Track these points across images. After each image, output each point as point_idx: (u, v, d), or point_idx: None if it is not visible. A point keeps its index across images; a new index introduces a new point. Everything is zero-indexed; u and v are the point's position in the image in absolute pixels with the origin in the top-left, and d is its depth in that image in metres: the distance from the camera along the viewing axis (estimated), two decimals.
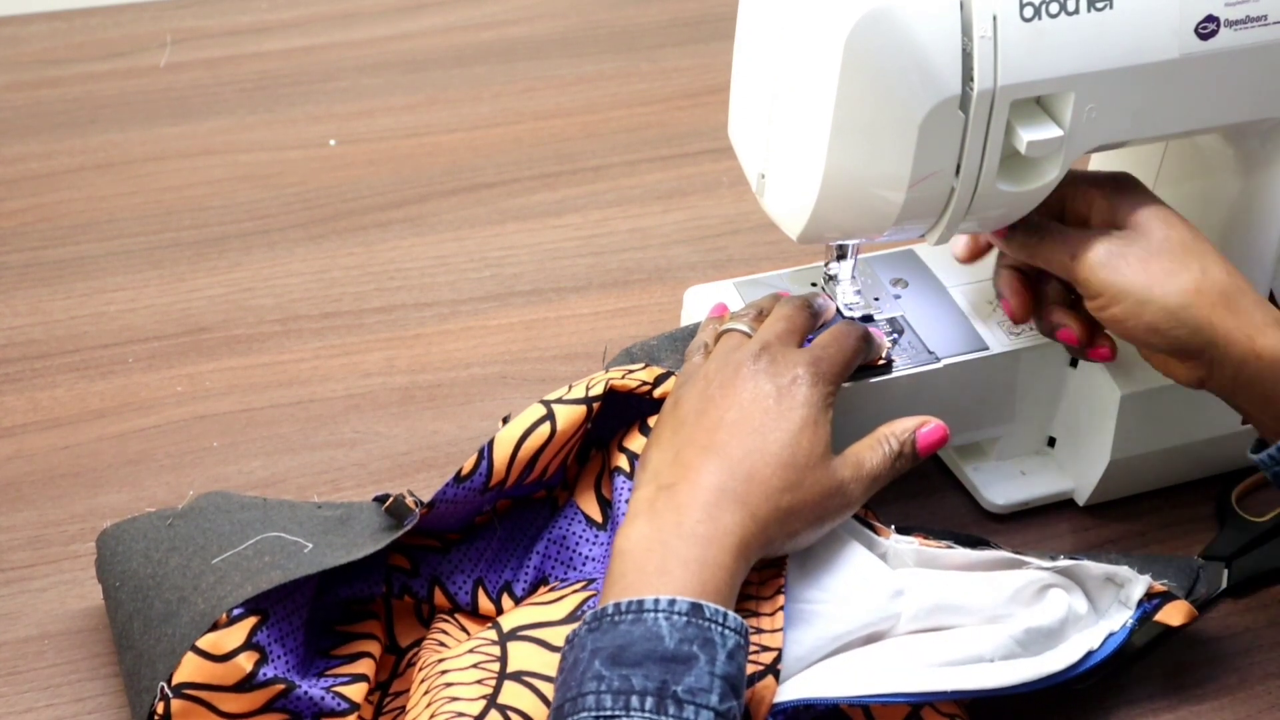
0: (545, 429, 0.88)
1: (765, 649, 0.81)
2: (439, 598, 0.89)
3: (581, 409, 0.89)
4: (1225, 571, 0.94)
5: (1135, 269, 0.86)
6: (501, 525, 0.91)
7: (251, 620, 0.81)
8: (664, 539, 0.79)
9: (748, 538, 0.80)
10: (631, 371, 0.91)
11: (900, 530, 0.89)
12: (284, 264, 1.19)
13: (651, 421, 0.90)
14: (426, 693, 0.82)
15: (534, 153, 1.31)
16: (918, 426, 0.87)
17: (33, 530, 0.98)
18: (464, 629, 0.88)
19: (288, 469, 1.02)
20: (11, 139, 1.30)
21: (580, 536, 0.90)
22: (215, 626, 0.80)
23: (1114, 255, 0.86)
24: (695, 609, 0.75)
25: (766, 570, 0.84)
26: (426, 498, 0.87)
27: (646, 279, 1.18)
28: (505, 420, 1.00)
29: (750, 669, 0.80)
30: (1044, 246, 0.89)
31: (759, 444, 0.82)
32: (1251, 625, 0.94)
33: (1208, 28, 0.84)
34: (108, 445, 1.03)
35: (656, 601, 0.76)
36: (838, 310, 0.95)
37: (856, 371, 0.92)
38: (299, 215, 1.23)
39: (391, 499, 0.87)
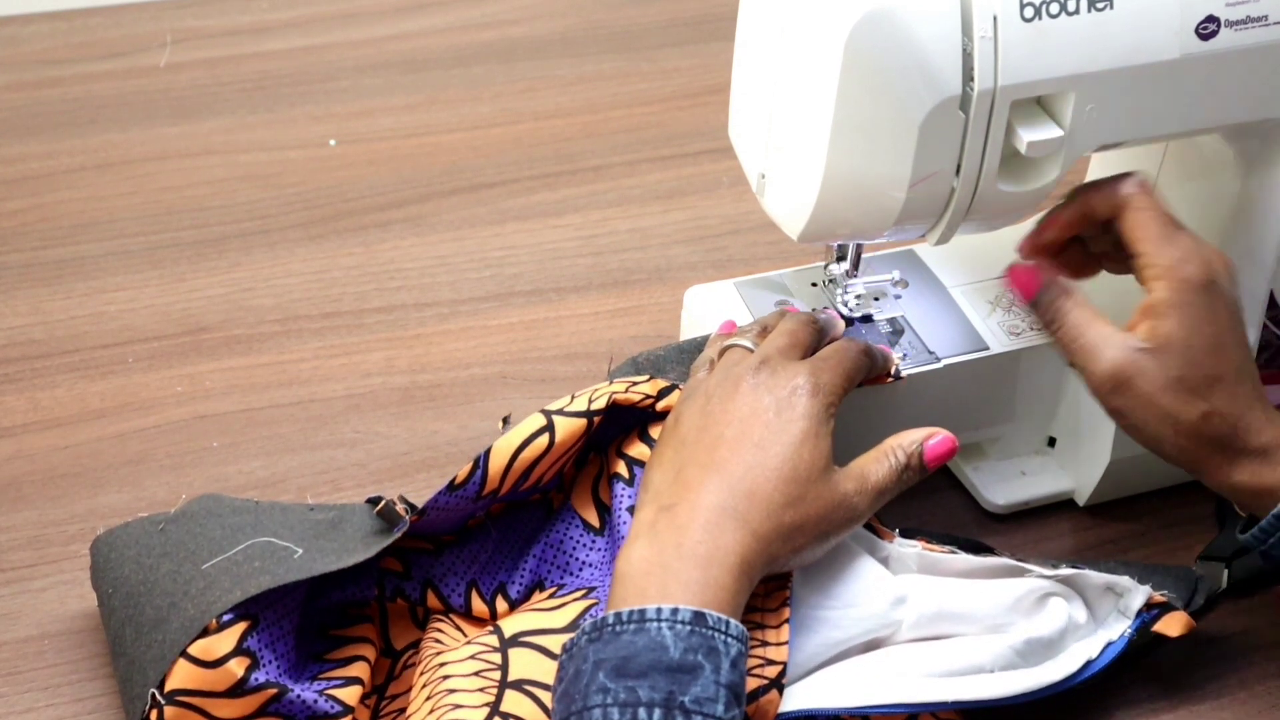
0: (544, 440, 0.87)
1: (770, 662, 0.81)
2: (432, 600, 0.89)
3: (581, 422, 0.88)
4: (1225, 572, 0.94)
5: (1143, 399, 0.84)
6: (495, 528, 0.91)
7: (241, 626, 0.81)
8: (664, 561, 0.78)
9: (749, 556, 0.79)
10: (635, 384, 0.90)
11: (904, 534, 0.89)
12: (284, 264, 1.19)
13: (654, 431, 0.89)
14: (429, 697, 0.81)
15: (534, 153, 1.31)
16: (925, 438, 0.85)
17: (33, 530, 0.98)
18: (460, 629, 0.88)
19: (288, 469, 1.02)
20: (11, 139, 1.30)
21: (577, 542, 0.90)
22: (206, 632, 0.80)
23: (1126, 378, 0.84)
24: (698, 618, 0.75)
25: (772, 583, 0.84)
26: (422, 500, 0.86)
27: (646, 279, 1.18)
28: (505, 420, 1.00)
29: (755, 683, 0.80)
30: (1063, 328, 0.86)
31: (759, 459, 0.81)
32: (1251, 625, 0.94)
33: (1208, 28, 0.84)
34: (108, 445, 1.03)
35: (659, 611, 0.75)
36: (847, 322, 0.95)
37: (867, 382, 0.91)
38: (299, 215, 1.23)
39: (382, 503, 0.87)
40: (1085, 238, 0.91)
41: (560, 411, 0.88)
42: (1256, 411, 0.85)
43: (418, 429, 1.05)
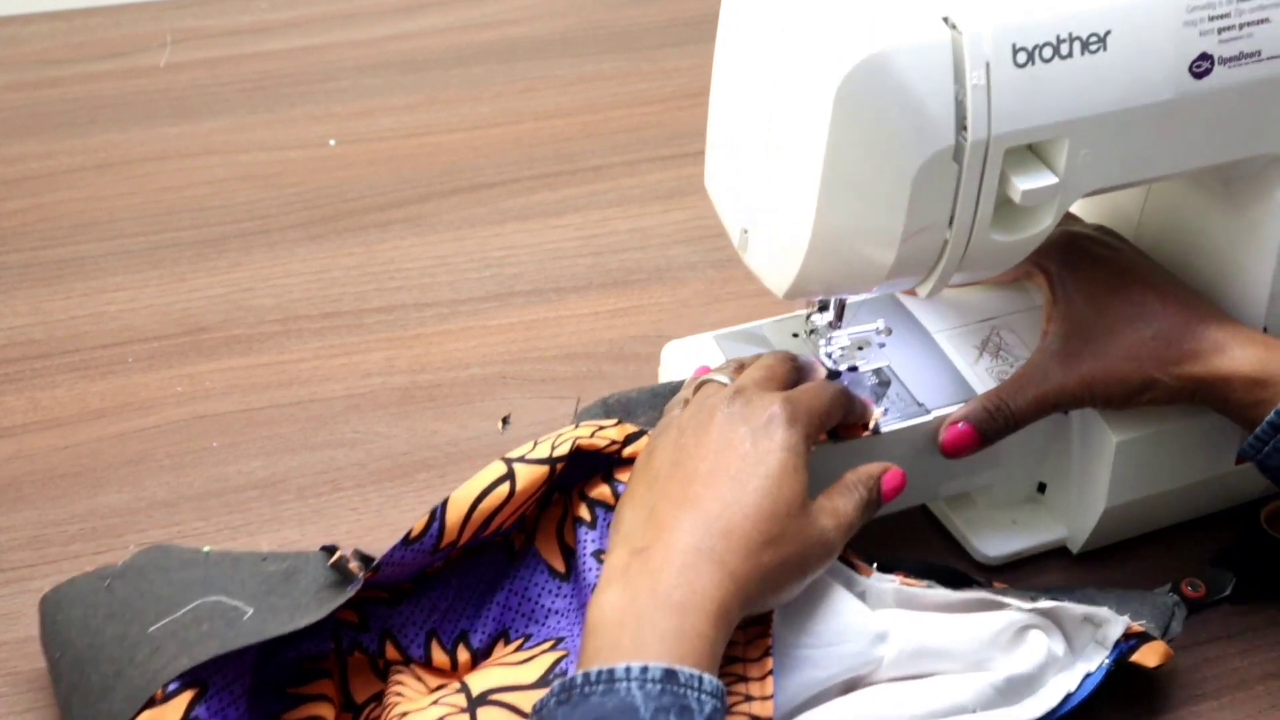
0: (504, 489, 0.84)
1: (755, 718, 0.78)
2: (391, 651, 0.85)
3: (543, 470, 0.85)
4: (1234, 580, 0.94)
5: (1099, 377, 0.89)
6: (455, 575, 0.87)
7: (189, 694, 0.77)
8: (638, 610, 0.74)
9: (727, 600, 0.75)
10: (601, 429, 0.88)
11: (881, 568, 0.88)
12: (284, 264, 1.19)
13: (620, 475, 0.86)
14: None
15: (534, 153, 1.31)
16: (881, 473, 0.85)
17: (33, 530, 0.98)
18: (421, 680, 0.85)
19: (288, 469, 1.02)
20: (11, 139, 1.30)
21: (543, 588, 0.87)
22: (152, 702, 0.77)
23: (1074, 378, 0.90)
24: (669, 675, 0.71)
25: (753, 629, 0.81)
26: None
27: (646, 279, 1.18)
28: (505, 420, 1.00)
29: None
30: (1018, 417, 0.90)
31: (736, 494, 0.78)
32: (1251, 625, 0.94)
33: (1202, 66, 0.82)
34: (108, 445, 1.03)
35: (629, 670, 0.71)
36: (830, 373, 0.92)
37: (845, 433, 0.90)
38: (299, 215, 1.23)
39: (336, 555, 0.84)
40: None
41: (522, 459, 0.85)
42: (1194, 323, 0.89)
43: (418, 429, 1.05)
